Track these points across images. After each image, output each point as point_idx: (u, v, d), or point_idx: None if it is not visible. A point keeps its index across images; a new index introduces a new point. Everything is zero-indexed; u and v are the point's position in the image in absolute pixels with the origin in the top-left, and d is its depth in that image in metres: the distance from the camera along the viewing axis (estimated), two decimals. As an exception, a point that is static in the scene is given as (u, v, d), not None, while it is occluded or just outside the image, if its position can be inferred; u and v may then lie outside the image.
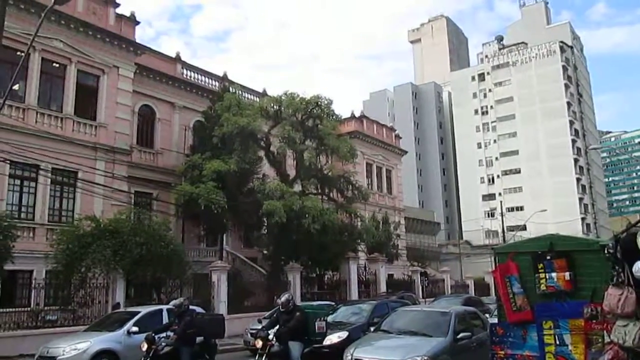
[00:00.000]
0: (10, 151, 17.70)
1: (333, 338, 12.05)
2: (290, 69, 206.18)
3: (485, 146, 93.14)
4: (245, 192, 26.06)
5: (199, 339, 10.57)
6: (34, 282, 18.56)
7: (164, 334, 10.30)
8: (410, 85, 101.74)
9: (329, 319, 12.07)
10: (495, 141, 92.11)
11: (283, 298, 10.06)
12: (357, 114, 43.74)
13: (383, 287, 30.52)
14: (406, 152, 51.51)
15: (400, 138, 50.67)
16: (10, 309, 17.53)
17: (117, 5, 25.67)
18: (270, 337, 9.52)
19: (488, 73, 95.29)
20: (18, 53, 19.25)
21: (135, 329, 12.46)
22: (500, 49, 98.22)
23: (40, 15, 13.61)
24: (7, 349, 14.87)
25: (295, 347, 9.63)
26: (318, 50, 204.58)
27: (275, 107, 27.41)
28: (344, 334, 12.37)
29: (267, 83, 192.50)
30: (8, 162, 18.47)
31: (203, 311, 14.35)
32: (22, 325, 16.71)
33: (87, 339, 12.51)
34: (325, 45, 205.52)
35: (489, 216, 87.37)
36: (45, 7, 14.00)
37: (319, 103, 26.99)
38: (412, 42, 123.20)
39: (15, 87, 21.35)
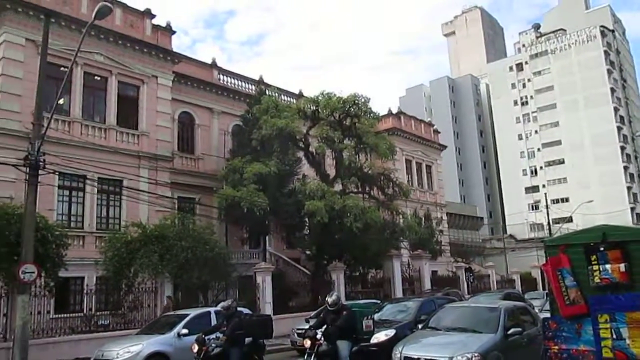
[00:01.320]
0: (58, 163, 18.21)
1: (380, 336, 11.97)
2: (325, 69, 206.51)
3: (527, 137, 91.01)
4: (286, 194, 26.20)
5: (247, 339, 10.66)
6: (85, 288, 19.15)
7: (213, 336, 10.45)
8: (446, 79, 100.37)
9: (375, 317, 11.99)
10: (536, 132, 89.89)
11: (332, 297, 10.06)
12: (394, 111, 43.45)
13: (427, 284, 30.20)
14: (445, 146, 50.80)
15: (439, 133, 50.03)
16: (65, 315, 18.25)
17: (153, 16, 26.23)
18: (319, 336, 9.53)
19: (526, 62, 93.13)
20: (62, 68, 19.87)
21: (185, 331, 12.70)
22: (537, 37, 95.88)
23: (81, 31, 14.04)
24: (64, 353, 15.38)
25: (343, 346, 9.62)
26: (352, 49, 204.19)
27: (312, 107, 27.45)
28: (391, 332, 12.29)
29: (303, 84, 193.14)
30: (57, 173, 19.04)
31: (250, 312, 14.49)
32: (76, 330, 17.29)
33: (139, 341, 12.82)
34: (359, 44, 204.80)
35: (533, 209, 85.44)
36: (85, 23, 14.44)
37: (356, 101, 26.90)
38: (446, 35, 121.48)
39: (61, 101, 22.05)
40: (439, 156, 48.10)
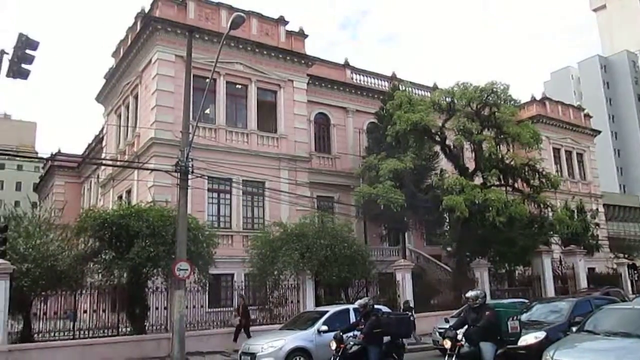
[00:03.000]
0: (206, 168, 19.61)
1: (529, 339, 11.09)
2: (460, 59, 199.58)
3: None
4: (424, 189, 25.68)
5: (386, 338, 10.50)
6: (234, 284, 20.34)
7: (351, 333, 10.45)
8: (597, 58, 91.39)
9: (523, 317, 11.15)
10: None
11: (472, 292, 9.54)
12: (538, 97, 40.61)
13: (583, 283, 27.65)
14: (599, 132, 46.27)
15: (591, 117, 45.75)
16: (217, 309, 19.62)
17: (287, 23, 27.21)
18: (459, 337, 9.08)
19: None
20: (207, 80, 21.30)
21: (324, 327, 12.89)
22: None
23: (223, 44, 14.87)
24: (216, 345, 16.56)
25: (487, 348, 9.04)
26: (489, 36, 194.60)
27: (447, 99, 26.56)
28: (541, 334, 11.34)
29: (437, 77, 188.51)
30: (206, 177, 20.48)
31: (389, 310, 14.33)
32: (227, 323, 18.42)
33: (282, 337, 13.28)
34: (495, 30, 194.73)
35: None
36: (224, 35, 15.29)
37: (495, 89, 25.51)
38: (595, 10, 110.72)
39: (207, 110, 23.80)
40: (592, 143, 43.99)
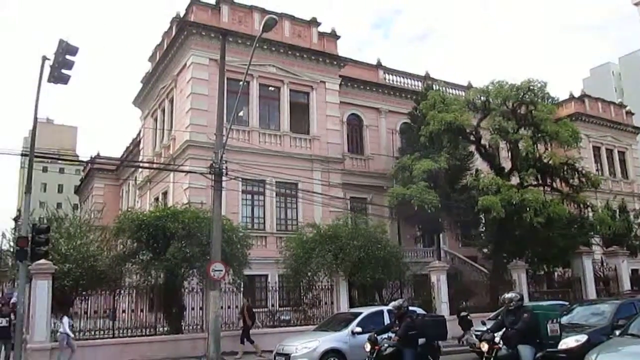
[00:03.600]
0: (240, 170, 19.84)
1: (569, 342, 10.80)
2: (495, 56, 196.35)
3: None
4: (459, 190, 25.31)
5: (421, 340, 10.38)
6: (268, 285, 20.46)
7: (385, 335, 10.37)
8: (639, 53, 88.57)
9: (563, 320, 10.84)
10: None
11: (509, 295, 9.36)
12: (576, 94, 39.58)
13: (626, 285, 26.79)
14: (642, 129, 44.80)
15: (633, 114, 44.28)
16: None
17: (319, 24, 27.27)
18: (497, 339, 8.91)
19: None
20: (240, 82, 21.54)
21: (358, 329, 12.87)
22: None
23: (256, 46, 14.99)
24: (251, 345, 16.57)
25: (526, 352, 8.84)
26: (524, 31, 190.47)
27: (482, 98, 26.10)
28: (582, 338, 11.03)
29: (472, 75, 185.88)
30: (239, 179, 20.70)
31: (424, 312, 14.19)
32: (262, 324, 18.55)
33: (316, 338, 13.31)
34: (531, 24, 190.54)
35: None
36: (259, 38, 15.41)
37: (531, 87, 24.94)
38: (636, 4, 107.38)
39: (240, 113, 24.03)
40: (634, 140, 42.62)
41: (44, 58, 13.79)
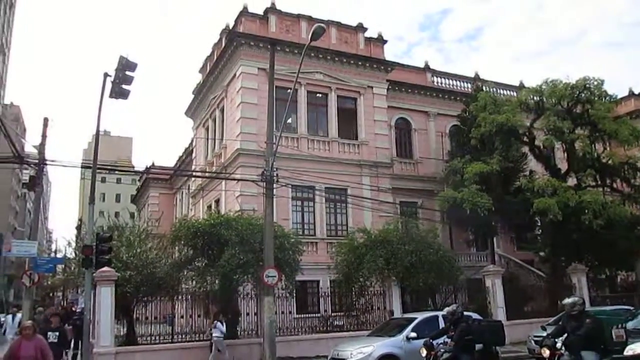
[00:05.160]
0: (290, 177, 20.07)
1: (637, 348, 10.37)
2: (549, 54, 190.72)
3: None
4: (512, 192, 24.69)
5: (478, 346, 10.23)
6: (320, 290, 20.55)
7: (441, 340, 10.27)
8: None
9: (629, 325, 10.47)
10: None
11: (569, 300, 9.10)
12: (637, 91, 37.94)
13: (697, 289, 25.47)
14: None
15: (698, 110, 42.08)
16: (305, 315, 19.90)
17: (365, 29, 27.35)
18: (558, 345, 8.67)
19: None
20: (288, 90, 21.83)
21: (413, 334, 12.77)
22: None
23: (304, 55, 15.18)
24: (305, 350, 16.82)
25: (590, 358, 8.56)
26: (583, 26, 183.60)
27: (535, 98, 25.46)
28: (649, 344, 10.60)
29: (524, 75, 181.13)
30: (289, 186, 20.94)
31: (480, 318, 13.94)
32: (315, 329, 18.68)
33: (370, 343, 13.27)
34: (592, 18, 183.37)
35: None
36: (304, 46, 15.62)
37: (587, 85, 24.13)
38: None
39: (289, 120, 24.33)
40: (700, 137, 40.42)
41: (106, 75, 14.36)
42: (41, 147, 17.87)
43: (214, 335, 14.81)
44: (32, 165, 18.68)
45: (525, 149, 26.38)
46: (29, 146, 37.44)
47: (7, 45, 66.16)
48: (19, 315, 18.49)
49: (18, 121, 72.16)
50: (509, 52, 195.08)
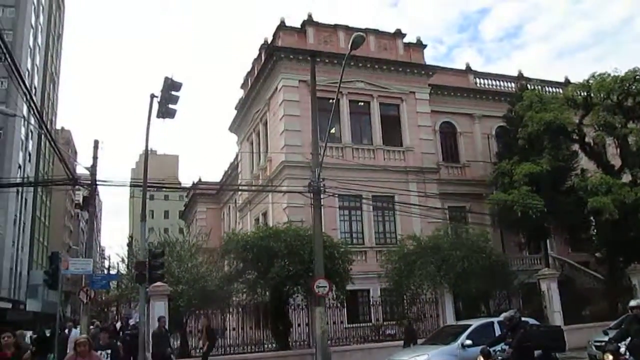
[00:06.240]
0: (336, 186, 20.11)
1: None
2: (593, 47, 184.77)
3: None
4: (564, 192, 23.99)
5: (537, 352, 9.94)
6: (371, 299, 20.43)
7: (498, 347, 10.03)
8: None
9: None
10: None
11: (635, 301, 8.78)
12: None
13: None
14: None
15: None
16: (356, 324, 19.83)
17: (404, 35, 27.28)
18: (622, 350, 8.36)
19: None
20: (330, 101, 21.95)
21: (468, 342, 12.52)
22: None
23: (342, 64, 15.25)
24: (357, 360, 16.66)
25: (656, 362, 8.24)
26: (629, 13, 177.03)
27: (583, 93, 24.74)
28: None
29: (569, 71, 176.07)
30: (336, 195, 20.98)
31: (537, 323, 13.56)
32: (366, 338, 18.58)
33: (424, 351, 13.08)
34: (633, 5, 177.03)
35: None
36: (344, 56, 15.70)
37: (638, 77, 23.29)
38: None
39: (332, 130, 24.44)
40: None
41: (152, 96, 14.82)
42: (93, 169, 18.57)
43: None
44: (84, 186, 19.44)
45: (576, 147, 25.64)
46: (81, 168, 38.84)
47: (56, 74, 69.23)
48: (74, 330, 19.22)
49: (69, 144, 75.18)
50: (551, 48, 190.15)
